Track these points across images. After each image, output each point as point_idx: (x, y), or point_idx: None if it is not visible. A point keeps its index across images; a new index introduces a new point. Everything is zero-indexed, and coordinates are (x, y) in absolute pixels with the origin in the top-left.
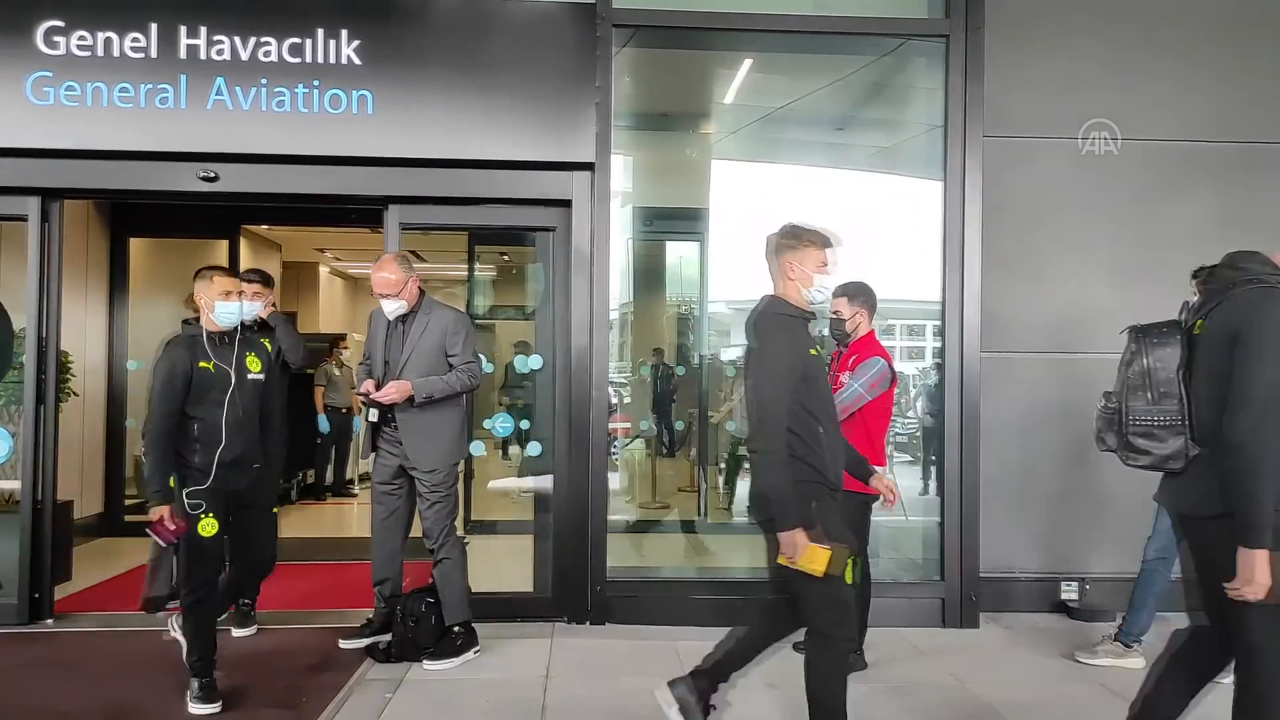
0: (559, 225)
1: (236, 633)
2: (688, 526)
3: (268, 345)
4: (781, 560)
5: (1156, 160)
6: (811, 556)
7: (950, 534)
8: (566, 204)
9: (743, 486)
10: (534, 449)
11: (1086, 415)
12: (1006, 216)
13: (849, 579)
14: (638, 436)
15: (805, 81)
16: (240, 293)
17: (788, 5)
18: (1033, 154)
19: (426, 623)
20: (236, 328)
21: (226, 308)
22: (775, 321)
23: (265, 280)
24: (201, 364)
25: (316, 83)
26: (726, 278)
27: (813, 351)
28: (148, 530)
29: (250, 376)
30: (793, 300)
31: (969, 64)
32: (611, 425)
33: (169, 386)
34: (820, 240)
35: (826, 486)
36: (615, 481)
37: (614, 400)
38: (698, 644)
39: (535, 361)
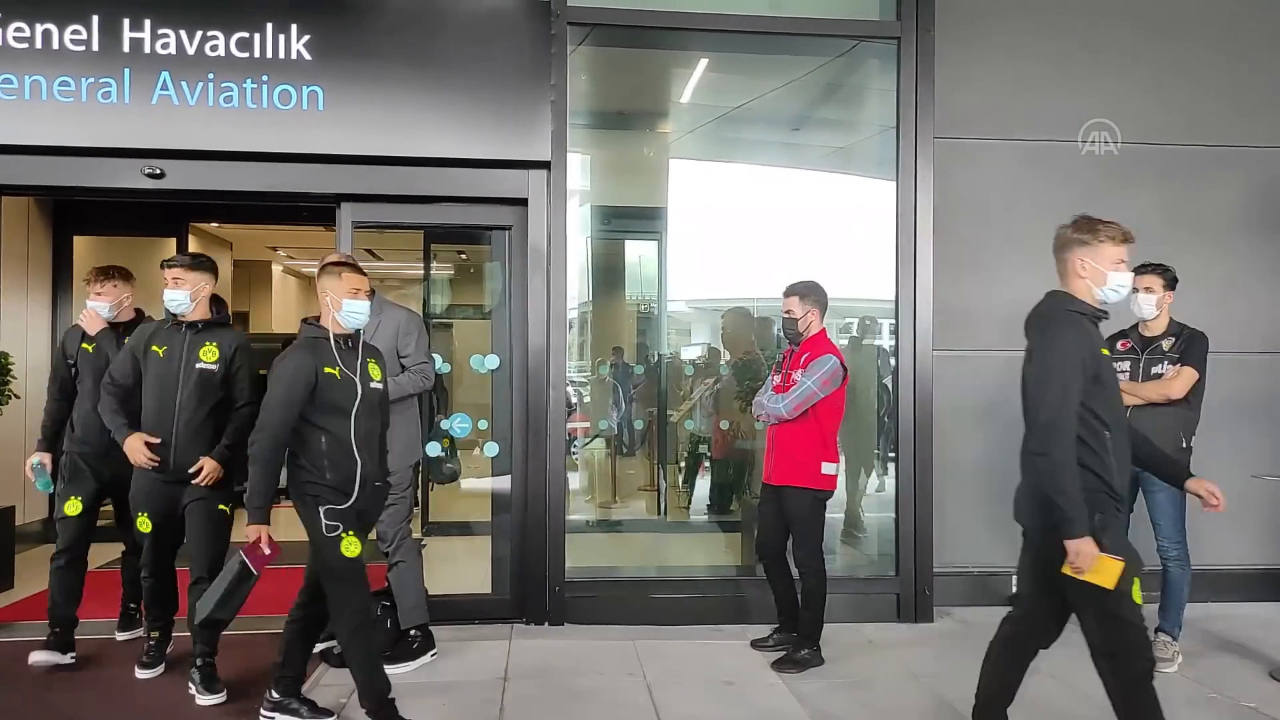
0: (515, 224)
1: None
2: (647, 526)
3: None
4: (1067, 570)
5: (1104, 160)
6: (1102, 568)
7: (905, 530)
8: (523, 203)
9: (702, 485)
10: (492, 449)
11: None
12: (958, 216)
13: (1137, 598)
14: (597, 436)
15: (761, 81)
16: (367, 291)
17: (742, 5)
18: (983, 154)
19: (381, 627)
20: (360, 331)
21: (355, 307)
22: (1063, 318)
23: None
24: (327, 369)
25: (265, 78)
26: (685, 276)
27: (1104, 351)
28: (242, 554)
29: (373, 385)
30: (1081, 297)
31: (919, 65)
32: (570, 425)
33: (290, 392)
34: (1118, 235)
35: (1112, 497)
36: (574, 481)
37: (573, 400)
38: (656, 643)
39: (493, 361)
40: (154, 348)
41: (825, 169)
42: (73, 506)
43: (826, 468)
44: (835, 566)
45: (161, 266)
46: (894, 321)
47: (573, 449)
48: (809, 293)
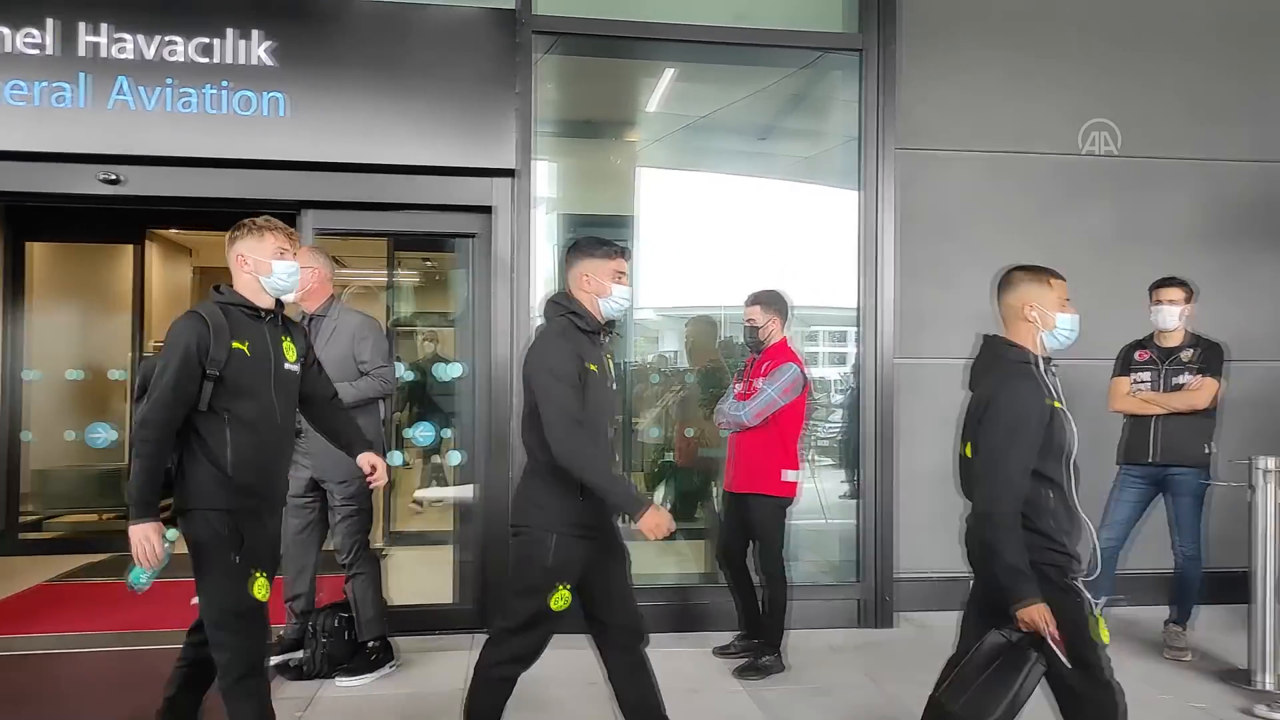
0: (480, 232)
1: None
2: None
3: None
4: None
5: (1060, 172)
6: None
7: (866, 536)
8: (488, 210)
9: (661, 493)
10: (455, 458)
11: None
12: (920, 227)
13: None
14: None
15: (727, 91)
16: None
17: (708, 16)
18: (945, 166)
19: (340, 639)
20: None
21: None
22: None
23: None
24: None
25: (226, 83)
26: (653, 284)
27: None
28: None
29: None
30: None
31: (882, 78)
32: None
33: None
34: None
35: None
36: None
37: None
38: None
39: (456, 369)
40: (591, 365)
41: (791, 178)
42: (263, 588)
43: (787, 475)
44: (798, 573)
45: (611, 255)
46: (858, 329)
47: None
48: (770, 301)
